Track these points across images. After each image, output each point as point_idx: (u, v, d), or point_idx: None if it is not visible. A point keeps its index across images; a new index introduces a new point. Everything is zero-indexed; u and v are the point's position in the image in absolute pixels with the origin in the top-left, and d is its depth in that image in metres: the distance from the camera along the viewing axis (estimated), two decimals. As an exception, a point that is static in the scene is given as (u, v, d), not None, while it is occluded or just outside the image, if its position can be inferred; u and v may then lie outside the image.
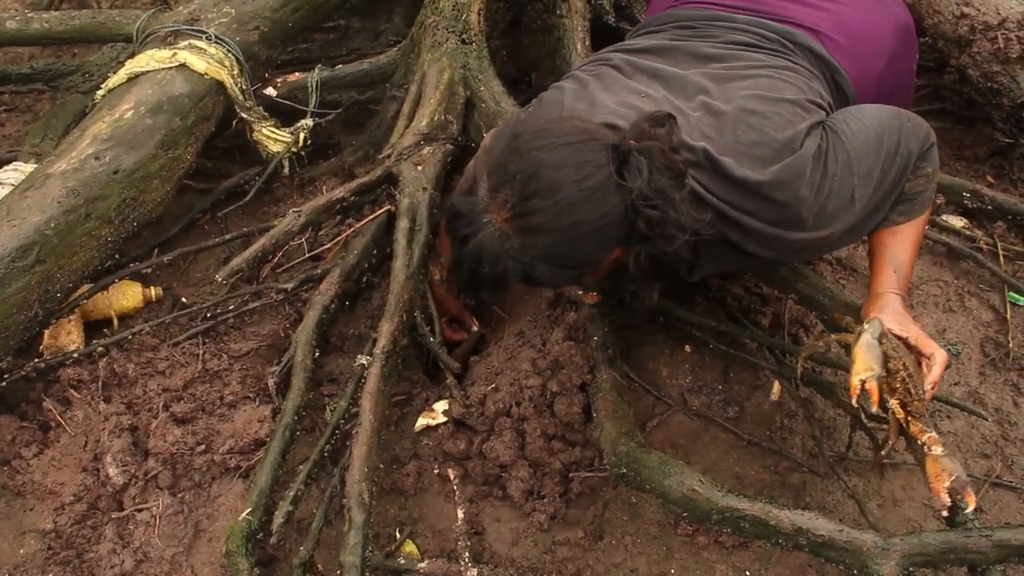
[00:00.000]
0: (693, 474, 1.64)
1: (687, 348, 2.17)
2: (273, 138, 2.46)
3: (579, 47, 2.38)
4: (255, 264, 2.15)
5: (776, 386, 2.10)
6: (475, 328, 2.18)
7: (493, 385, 1.97)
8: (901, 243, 1.78)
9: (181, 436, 1.98)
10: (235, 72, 2.34)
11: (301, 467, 1.85)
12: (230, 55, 2.34)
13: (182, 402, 2.05)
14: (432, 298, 2.14)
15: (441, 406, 2.02)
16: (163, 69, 2.26)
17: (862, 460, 2.00)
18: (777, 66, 1.79)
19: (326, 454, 1.90)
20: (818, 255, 2.34)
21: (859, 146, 1.69)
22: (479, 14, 2.32)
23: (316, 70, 2.54)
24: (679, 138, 1.55)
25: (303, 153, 2.52)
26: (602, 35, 2.47)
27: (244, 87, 2.37)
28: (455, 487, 1.93)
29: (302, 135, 2.48)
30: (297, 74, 2.57)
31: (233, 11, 2.40)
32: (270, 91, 2.52)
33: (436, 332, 2.09)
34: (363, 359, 2.03)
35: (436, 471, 1.95)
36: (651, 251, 1.52)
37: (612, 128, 1.58)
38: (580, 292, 2.02)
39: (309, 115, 2.51)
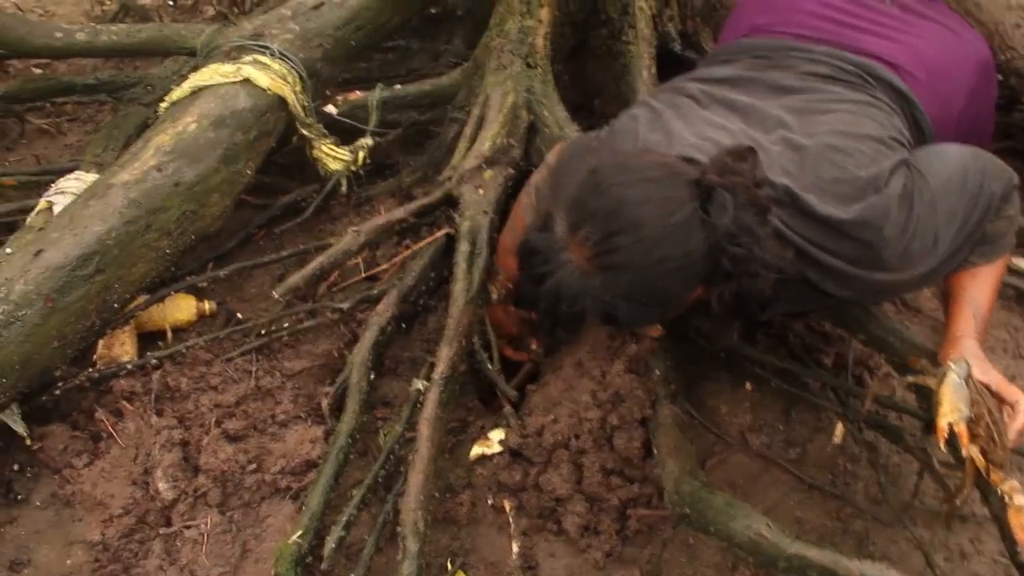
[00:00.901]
0: (760, 518, 1.56)
1: (748, 386, 2.09)
2: (332, 156, 2.42)
3: (645, 74, 2.32)
4: (312, 282, 2.11)
5: (839, 428, 2.01)
6: (535, 347, 2.12)
7: (551, 416, 1.90)
8: (980, 286, 1.70)
9: (232, 454, 1.93)
10: (297, 88, 2.30)
11: (354, 491, 1.80)
12: (293, 71, 2.30)
13: (234, 419, 2.00)
14: (489, 319, 2.09)
15: (497, 435, 1.96)
16: (227, 83, 2.23)
17: (929, 509, 1.91)
18: (858, 100, 1.72)
19: (379, 479, 1.84)
20: (896, 297, 2.25)
21: (942, 186, 1.62)
22: (545, 38, 2.27)
23: (377, 89, 2.50)
24: (762, 173, 1.49)
25: (362, 172, 2.47)
26: (667, 63, 2.41)
27: (306, 104, 2.33)
28: (510, 519, 1.86)
29: (361, 154, 2.43)
30: (358, 93, 2.53)
31: (297, 27, 2.36)
32: (331, 109, 2.48)
33: (494, 359, 2.03)
34: (419, 383, 1.97)
35: (490, 502, 1.89)
36: (735, 290, 1.45)
37: (691, 162, 1.52)
38: (644, 324, 1.95)
39: (369, 134, 2.47)
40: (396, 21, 2.59)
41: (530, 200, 1.99)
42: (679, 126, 1.66)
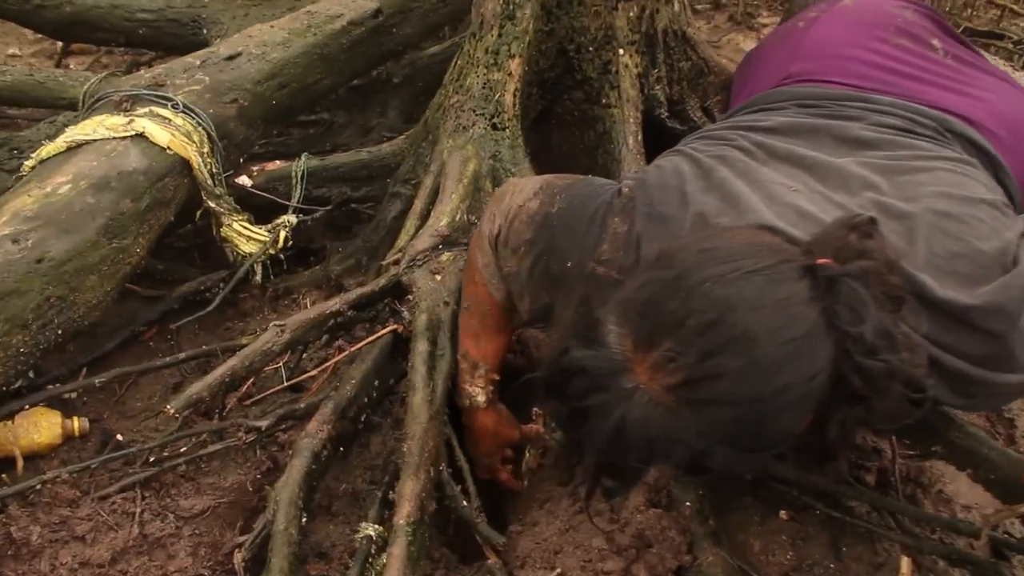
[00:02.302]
0: None
1: (783, 515, 1.61)
2: (246, 235, 1.89)
3: (631, 142, 1.89)
4: (219, 393, 1.55)
5: (906, 563, 1.55)
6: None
7: (557, 571, 1.37)
8: None
9: (105, 638, 1.32)
10: (205, 150, 1.78)
11: None
12: (200, 128, 1.78)
13: (109, 584, 1.40)
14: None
15: (480, 597, 1.41)
16: (115, 138, 1.69)
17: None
18: (951, 158, 1.32)
19: (324, 672, 1.26)
20: (1007, 404, 1.82)
21: None
22: (515, 94, 1.82)
23: (302, 158, 2.00)
24: (894, 253, 1.04)
25: (281, 257, 1.94)
26: (651, 134, 1.99)
27: (215, 170, 1.81)
28: None
29: (283, 234, 1.91)
30: (278, 162, 2.02)
31: (207, 79, 1.86)
32: (244, 180, 1.96)
33: (470, 491, 1.50)
34: (370, 529, 1.42)
35: None
36: (862, 414, 0.99)
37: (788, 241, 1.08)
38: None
39: (291, 211, 1.96)
40: (326, 83, 2.12)
41: (489, 274, 1.50)
42: (742, 188, 1.21)
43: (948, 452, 1.46)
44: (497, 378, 1.54)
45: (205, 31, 2.64)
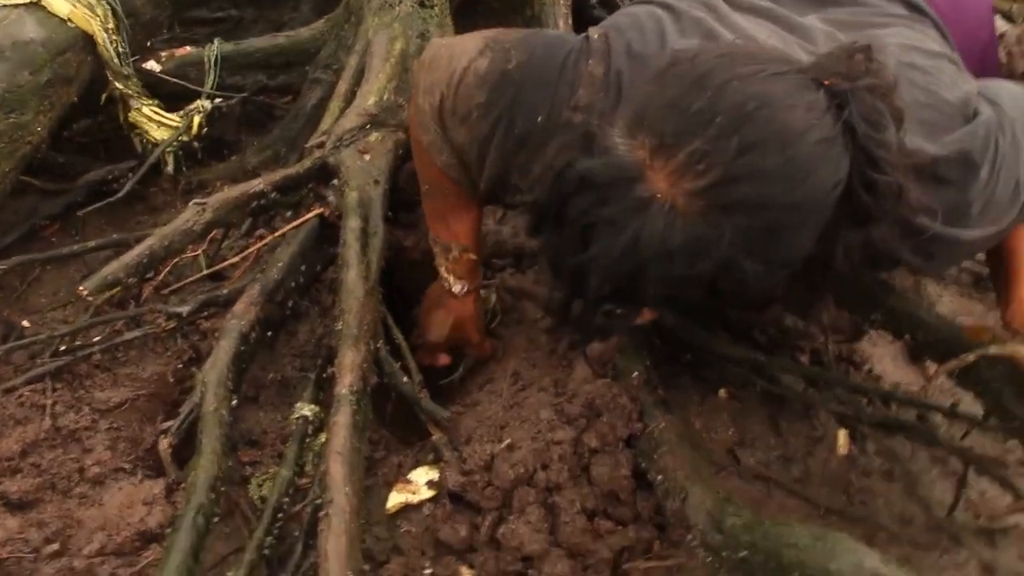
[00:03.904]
0: (872, 552, 1.01)
1: (722, 393, 1.57)
2: (157, 120, 1.72)
3: (561, 26, 1.79)
4: (136, 276, 1.40)
5: (842, 436, 1.53)
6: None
7: (506, 442, 1.28)
8: None
9: (18, 529, 1.17)
10: (110, 26, 1.60)
11: (229, 574, 1.10)
12: (104, 2, 1.60)
13: (19, 477, 1.25)
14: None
15: (423, 475, 1.31)
16: (7, 5, 1.50)
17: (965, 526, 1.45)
18: (905, 16, 1.26)
19: (266, 551, 1.15)
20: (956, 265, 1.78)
21: (1020, 121, 1.18)
22: (443, -31, 1.70)
23: (215, 42, 1.83)
24: (892, 77, 0.97)
25: (195, 146, 1.78)
26: (579, 23, 1.89)
27: (121, 49, 1.63)
28: (461, 593, 1.22)
29: (197, 119, 1.74)
30: (188, 48, 1.84)
31: (109, -49, 1.67)
32: (153, 65, 1.78)
33: (411, 369, 1.39)
34: (306, 409, 1.31)
35: (428, 571, 1.23)
36: (860, 241, 0.93)
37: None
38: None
39: (205, 96, 1.79)
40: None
41: (436, 151, 1.36)
42: (721, 30, 1.12)
43: (887, 319, 1.43)
44: (475, 258, 1.41)
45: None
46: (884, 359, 1.76)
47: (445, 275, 1.43)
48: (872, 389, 1.56)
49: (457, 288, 1.43)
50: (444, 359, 1.54)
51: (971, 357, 1.24)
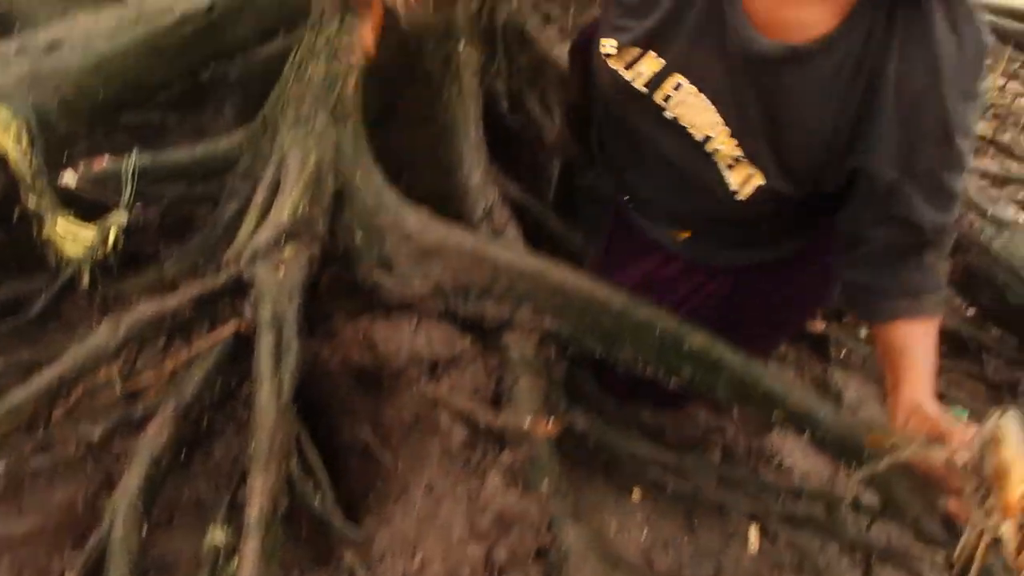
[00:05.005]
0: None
1: (636, 494, 1.61)
2: (71, 236, 1.72)
3: (472, 135, 1.85)
4: (44, 401, 1.39)
5: (753, 533, 1.57)
6: None
7: (418, 556, 1.29)
8: (929, 341, 1.35)
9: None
10: (24, 142, 1.62)
11: None
12: (18, 119, 1.61)
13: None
14: None
15: (336, 595, 1.32)
16: (-86, 128, 1.51)
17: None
18: None
19: None
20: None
21: None
22: (356, 86, 1.74)
23: (133, 154, 1.84)
24: None
25: (111, 260, 1.78)
26: (492, 128, 1.96)
27: (35, 163, 1.65)
28: None
29: (113, 232, 1.75)
30: (106, 159, 1.86)
31: (27, 66, 1.70)
32: (68, 178, 1.78)
33: (323, 484, 1.40)
34: (216, 537, 1.31)
35: None
36: None
37: None
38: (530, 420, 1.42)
39: (123, 208, 1.80)
40: (156, 79, 1.98)
41: None
42: None
43: (787, 417, 1.49)
44: None
45: (18, 26, 2.43)
46: (794, 451, 1.82)
47: None
48: (781, 486, 1.60)
49: None
50: None
51: (882, 466, 1.26)
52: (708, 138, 1.39)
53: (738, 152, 1.37)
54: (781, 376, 1.54)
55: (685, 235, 1.67)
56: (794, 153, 1.34)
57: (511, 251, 1.71)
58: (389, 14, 1.69)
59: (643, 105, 1.44)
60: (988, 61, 1.27)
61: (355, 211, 1.74)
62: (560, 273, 1.62)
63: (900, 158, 1.26)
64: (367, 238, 1.72)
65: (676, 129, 1.42)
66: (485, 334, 1.66)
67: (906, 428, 1.27)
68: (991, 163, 3.49)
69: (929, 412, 1.24)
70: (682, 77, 1.38)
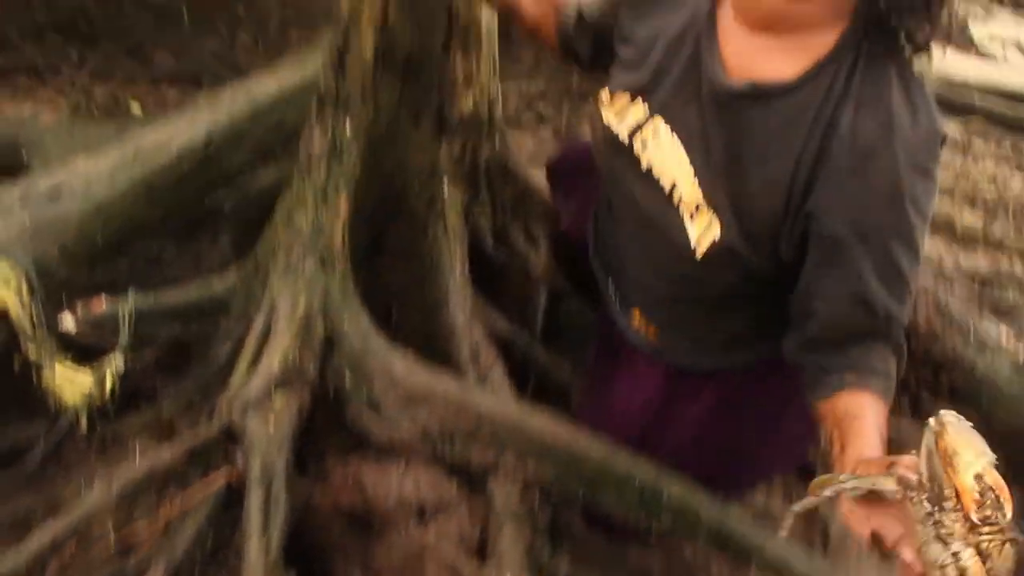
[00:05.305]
0: None
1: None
2: (69, 383, 1.78)
3: (458, 272, 1.92)
4: (38, 561, 1.44)
5: None
6: None
7: None
8: (880, 419, 1.28)
9: None
10: (24, 294, 1.69)
11: None
12: (18, 272, 1.69)
13: None
14: None
15: None
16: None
17: None
18: None
19: None
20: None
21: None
22: (344, 233, 1.82)
23: (129, 296, 1.92)
24: None
25: (108, 405, 1.84)
26: (479, 265, 2.03)
27: (34, 314, 1.72)
28: None
29: (109, 379, 1.81)
30: (104, 301, 1.93)
31: (27, 218, 1.78)
32: (67, 322, 1.85)
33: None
34: None
35: None
36: None
37: None
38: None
39: (119, 353, 1.86)
40: (154, 217, 2.06)
41: None
42: None
43: (763, 565, 1.52)
44: None
45: (26, 153, 2.53)
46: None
47: None
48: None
49: None
50: None
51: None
52: (674, 186, 1.43)
53: (700, 197, 1.40)
54: (757, 527, 1.57)
55: (655, 330, 1.68)
56: (753, 201, 1.37)
57: (494, 398, 1.77)
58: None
59: (625, 158, 1.50)
60: (941, 150, 1.31)
61: (344, 355, 1.80)
62: (541, 421, 1.68)
63: (850, 213, 1.28)
64: (356, 381, 1.78)
65: (650, 181, 1.47)
66: (472, 478, 1.71)
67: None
68: (982, 260, 3.51)
69: (877, 459, 1.15)
70: (661, 121, 1.45)
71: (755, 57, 1.34)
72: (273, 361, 1.73)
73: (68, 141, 2.50)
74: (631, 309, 1.72)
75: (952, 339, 2.26)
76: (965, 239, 3.69)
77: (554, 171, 2.14)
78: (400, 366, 1.76)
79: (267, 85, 2.38)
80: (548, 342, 2.10)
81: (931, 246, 3.61)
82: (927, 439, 1.01)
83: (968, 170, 4.49)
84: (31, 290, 1.73)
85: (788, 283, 1.40)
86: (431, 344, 1.90)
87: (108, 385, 1.82)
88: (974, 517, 0.95)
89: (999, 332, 2.33)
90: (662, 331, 1.67)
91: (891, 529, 1.03)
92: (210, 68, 3.68)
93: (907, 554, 1.01)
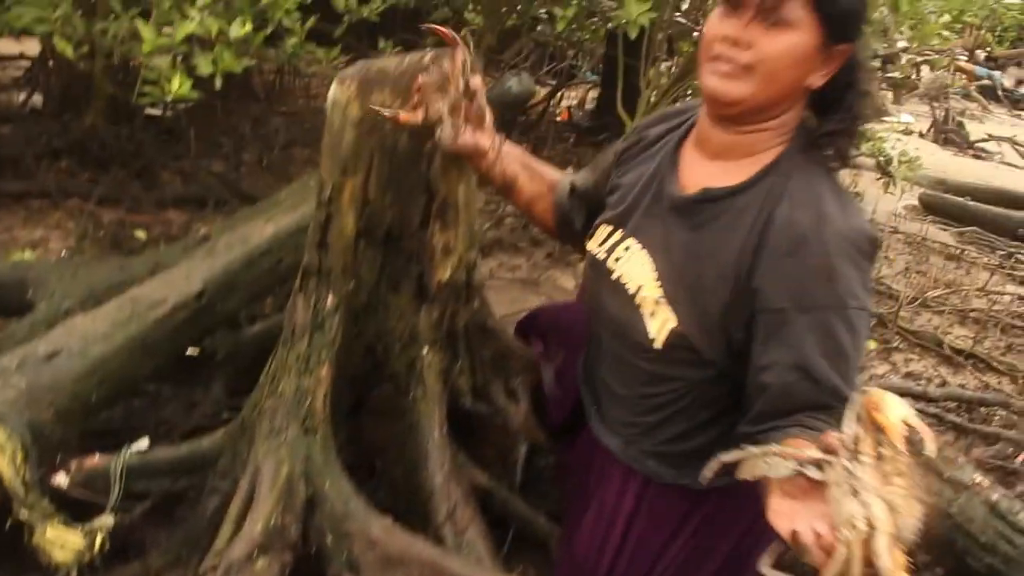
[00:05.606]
0: None
1: None
2: (61, 542, 1.86)
3: (436, 434, 1.99)
4: None
5: None
6: None
7: None
8: None
9: None
10: (19, 460, 1.78)
11: None
12: (14, 438, 1.78)
13: None
14: None
15: None
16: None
17: None
18: None
19: None
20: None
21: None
22: (325, 398, 1.91)
23: (122, 453, 2.00)
24: None
25: (97, 563, 1.91)
26: (457, 419, 2.11)
27: (28, 478, 1.80)
28: None
29: (100, 537, 1.88)
30: (96, 457, 2.01)
31: (24, 384, 1.88)
32: (61, 480, 1.94)
33: None
34: None
35: None
36: None
37: None
38: None
39: (110, 510, 1.94)
40: (148, 367, 2.16)
41: None
42: None
43: None
44: None
45: (31, 292, 2.65)
46: None
47: None
48: None
49: None
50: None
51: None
52: (639, 289, 1.57)
53: (659, 294, 1.54)
54: None
55: (624, 443, 1.70)
56: (707, 294, 1.49)
57: (469, 563, 1.83)
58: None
59: (602, 275, 1.65)
60: (876, 256, 1.46)
61: (325, 516, 1.87)
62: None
63: (789, 288, 1.40)
64: (336, 542, 1.84)
65: (618, 288, 1.61)
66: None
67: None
68: (970, 377, 3.57)
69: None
70: (633, 240, 1.62)
71: (709, 174, 1.54)
72: (256, 526, 1.80)
73: (71, 282, 2.63)
74: (609, 425, 1.75)
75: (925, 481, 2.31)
76: (953, 360, 3.75)
77: (521, 330, 2.24)
78: (378, 528, 1.82)
79: (262, 229, 2.51)
80: (527, 493, 2.17)
81: (919, 365, 3.68)
82: (854, 402, 1.06)
83: (960, 283, 4.57)
84: (25, 455, 1.81)
85: (743, 382, 1.48)
86: (412, 500, 1.98)
87: (98, 544, 1.89)
88: (900, 455, 1.01)
89: (971, 473, 2.38)
90: (630, 443, 1.70)
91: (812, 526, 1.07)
92: (215, 191, 3.84)
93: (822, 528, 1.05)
